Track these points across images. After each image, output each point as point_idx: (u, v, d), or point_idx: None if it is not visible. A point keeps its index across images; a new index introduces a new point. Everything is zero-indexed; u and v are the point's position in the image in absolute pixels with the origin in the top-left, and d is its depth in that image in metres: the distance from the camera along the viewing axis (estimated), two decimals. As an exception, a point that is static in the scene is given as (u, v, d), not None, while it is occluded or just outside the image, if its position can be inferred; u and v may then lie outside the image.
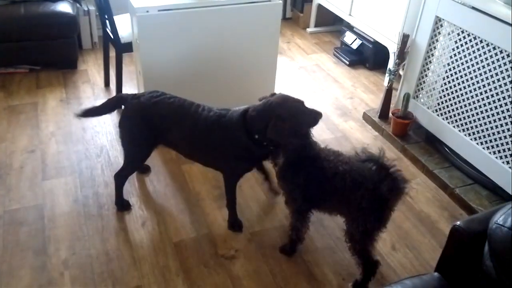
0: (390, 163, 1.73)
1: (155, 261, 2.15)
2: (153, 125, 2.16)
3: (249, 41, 2.94)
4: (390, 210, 1.85)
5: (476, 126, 2.58)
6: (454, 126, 2.72)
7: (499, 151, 2.46)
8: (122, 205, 2.41)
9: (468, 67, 2.57)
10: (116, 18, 3.01)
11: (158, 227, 2.33)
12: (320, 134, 3.08)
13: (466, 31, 2.54)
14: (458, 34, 2.60)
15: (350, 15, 4.01)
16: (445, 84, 2.75)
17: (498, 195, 2.53)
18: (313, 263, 2.18)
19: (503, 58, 2.35)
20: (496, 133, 2.46)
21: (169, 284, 2.05)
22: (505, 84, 2.36)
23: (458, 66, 2.64)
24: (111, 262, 2.14)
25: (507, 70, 2.34)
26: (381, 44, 3.71)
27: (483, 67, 2.47)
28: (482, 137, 2.55)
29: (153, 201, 2.50)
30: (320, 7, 4.54)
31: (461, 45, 2.59)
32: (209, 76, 2.95)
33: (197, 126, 2.09)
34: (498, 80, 2.40)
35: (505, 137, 2.41)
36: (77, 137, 2.95)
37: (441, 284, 1.58)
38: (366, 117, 3.28)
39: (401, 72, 3.19)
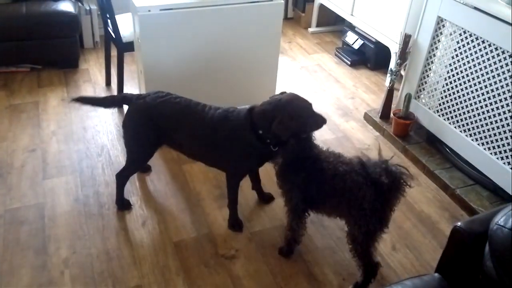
0: (389, 158, 1.77)
1: (155, 260, 2.15)
2: (158, 125, 2.16)
3: (251, 41, 2.94)
4: (391, 210, 1.85)
5: (478, 127, 2.57)
6: (455, 127, 2.72)
7: (500, 152, 2.46)
8: (123, 205, 2.42)
9: (470, 68, 2.56)
10: (117, 17, 3.01)
11: (158, 227, 2.33)
12: (321, 134, 3.08)
13: (468, 31, 2.53)
14: (460, 35, 2.60)
15: (351, 15, 4.01)
16: (446, 84, 2.75)
17: (499, 196, 2.53)
18: (313, 263, 2.18)
19: (505, 58, 2.35)
20: (497, 133, 2.46)
21: (169, 284, 2.05)
22: (507, 85, 2.35)
23: (460, 66, 2.63)
24: (112, 261, 2.14)
25: (509, 70, 2.33)
26: (382, 44, 3.71)
27: (485, 67, 2.47)
28: (483, 137, 2.54)
29: (153, 201, 2.50)
30: (321, 7, 4.54)
31: (463, 45, 2.59)
32: (210, 75, 2.95)
33: (204, 124, 2.09)
34: (500, 81, 2.39)
35: (506, 138, 2.41)
36: (78, 136, 2.95)
37: (441, 284, 1.58)
38: (367, 117, 3.28)
39: (402, 72, 3.19)
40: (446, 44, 2.71)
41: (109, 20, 3.02)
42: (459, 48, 2.62)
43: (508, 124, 2.39)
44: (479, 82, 2.52)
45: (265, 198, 2.51)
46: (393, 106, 3.17)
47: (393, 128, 3.04)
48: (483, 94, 2.51)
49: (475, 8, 2.45)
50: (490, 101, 2.47)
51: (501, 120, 2.42)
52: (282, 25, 3.00)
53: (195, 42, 2.79)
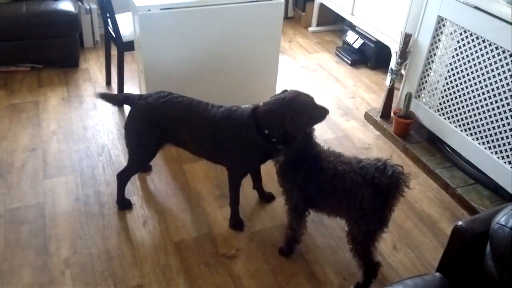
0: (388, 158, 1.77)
1: (156, 260, 2.15)
2: (161, 125, 2.16)
3: (251, 40, 2.94)
4: (390, 209, 1.85)
5: (478, 126, 2.57)
6: (455, 126, 2.72)
7: (500, 151, 2.46)
8: (123, 204, 2.41)
9: (471, 67, 2.56)
10: (118, 17, 3.01)
11: (159, 226, 2.33)
12: (322, 133, 3.07)
13: (469, 30, 2.53)
14: (461, 34, 2.60)
15: (352, 14, 4.01)
16: (447, 83, 2.74)
17: (499, 195, 2.53)
18: (314, 262, 2.18)
19: (505, 58, 2.35)
20: (498, 133, 2.46)
21: (170, 283, 2.05)
22: (508, 84, 2.35)
23: (460, 66, 2.63)
24: (112, 261, 2.14)
25: (509, 70, 2.33)
26: (383, 43, 3.70)
27: (486, 66, 2.47)
28: (484, 137, 2.54)
29: (154, 200, 2.49)
30: (322, 6, 4.53)
31: (464, 44, 2.59)
32: (210, 74, 2.95)
33: (206, 123, 2.09)
34: (501, 80, 2.39)
35: (507, 137, 2.41)
36: (78, 136, 2.95)
37: (442, 284, 1.58)
38: (367, 117, 3.28)
39: (403, 71, 3.19)
40: (447, 44, 2.71)
41: (109, 20, 3.02)
42: (460, 47, 2.62)
43: (508, 123, 2.39)
44: (480, 81, 2.52)
45: (265, 198, 2.51)
46: (394, 106, 3.17)
47: (394, 127, 3.04)
48: (483, 93, 2.51)
49: (476, 7, 2.45)
50: (490, 100, 2.47)
51: (501, 119, 2.42)
52: (282, 25, 3.00)
53: (195, 41, 2.79)
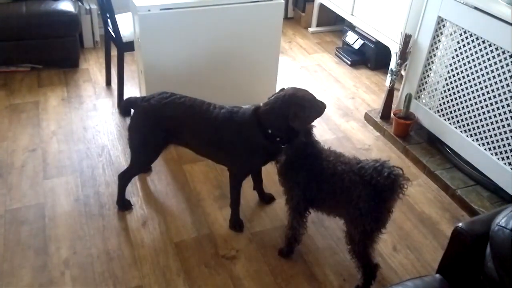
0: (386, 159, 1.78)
1: (156, 261, 2.15)
2: (165, 126, 2.17)
3: (251, 41, 2.94)
4: (388, 211, 1.85)
5: (478, 127, 2.57)
6: (455, 127, 2.72)
7: (500, 152, 2.46)
8: (123, 205, 2.41)
9: (470, 68, 2.56)
10: (117, 17, 3.01)
11: (159, 227, 2.33)
12: (321, 134, 3.07)
13: (469, 31, 2.53)
14: (461, 35, 2.60)
15: (352, 15, 4.01)
16: (447, 84, 2.74)
17: (499, 196, 2.53)
18: (314, 264, 2.18)
19: (505, 58, 2.35)
20: (498, 134, 2.46)
21: (169, 284, 2.05)
22: (508, 85, 2.35)
23: (460, 66, 2.63)
24: (112, 261, 2.14)
25: (509, 71, 2.33)
26: (383, 44, 3.70)
27: (486, 67, 2.47)
28: (483, 138, 2.54)
29: (154, 201, 2.49)
30: (322, 6, 4.53)
31: (463, 45, 2.59)
32: (210, 75, 2.95)
33: (210, 123, 2.10)
34: (501, 81, 2.39)
35: (507, 138, 2.41)
36: (78, 136, 2.95)
37: (442, 285, 1.58)
38: (367, 118, 3.28)
39: (403, 72, 3.19)
40: (447, 44, 2.71)
41: (109, 20, 3.02)
42: (460, 48, 2.62)
43: (508, 124, 2.39)
44: (480, 82, 2.52)
45: (266, 199, 2.51)
46: (394, 106, 3.17)
47: (394, 128, 3.04)
48: (483, 94, 2.51)
49: (476, 8, 2.45)
50: (490, 101, 2.47)
51: (501, 120, 2.42)
52: (282, 25, 3.00)
53: (195, 42, 2.78)
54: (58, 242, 2.21)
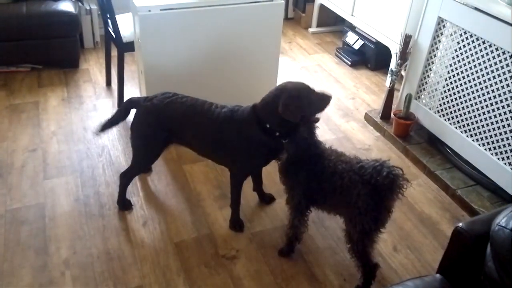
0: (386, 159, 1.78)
1: (156, 261, 2.15)
2: (167, 126, 2.17)
3: (251, 41, 2.94)
4: (387, 210, 1.85)
5: (478, 127, 2.57)
6: (456, 127, 2.72)
7: (500, 152, 2.46)
8: (124, 205, 2.41)
9: (471, 68, 2.56)
10: (118, 17, 3.01)
11: (159, 227, 2.33)
12: (322, 134, 3.07)
13: (469, 32, 2.53)
14: (461, 35, 2.60)
15: (352, 15, 4.01)
16: (447, 85, 2.75)
17: (499, 196, 2.53)
18: (314, 264, 2.18)
19: (505, 59, 2.35)
20: (498, 134, 2.46)
21: (170, 284, 2.05)
22: (508, 85, 2.35)
23: (460, 67, 2.63)
24: (112, 261, 2.14)
25: (509, 71, 2.33)
26: (383, 44, 3.70)
27: (486, 68, 2.47)
28: (483, 138, 2.54)
29: (154, 201, 2.49)
30: (322, 7, 4.53)
31: (464, 46, 2.59)
32: (211, 75, 2.95)
33: (210, 124, 2.11)
34: (501, 81, 2.39)
35: (507, 138, 2.41)
36: (78, 137, 2.95)
37: (443, 285, 1.58)
38: (367, 118, 3.28)
39: (403, 72, 3.19)
40: (447, 45, 2.71)
41: (109, 20, 3.02)
42: (460, 48, 2.62)
43: (508, 125, 2.39)
44: (480, 83, 2.52)
45: (266, 199, 2.51)
46: (394, 107, 3.17)
47: (394, 128, 3.04)
48: (483, 94, 2.51)
49: (476, 8, 2.45)
50: (490, 101, 2.47)
51: (501, 120, 2.42)
52: (282, 25, 3.00)
53: (195, 42, 2.78)
54: (58, 242, 2.21)
